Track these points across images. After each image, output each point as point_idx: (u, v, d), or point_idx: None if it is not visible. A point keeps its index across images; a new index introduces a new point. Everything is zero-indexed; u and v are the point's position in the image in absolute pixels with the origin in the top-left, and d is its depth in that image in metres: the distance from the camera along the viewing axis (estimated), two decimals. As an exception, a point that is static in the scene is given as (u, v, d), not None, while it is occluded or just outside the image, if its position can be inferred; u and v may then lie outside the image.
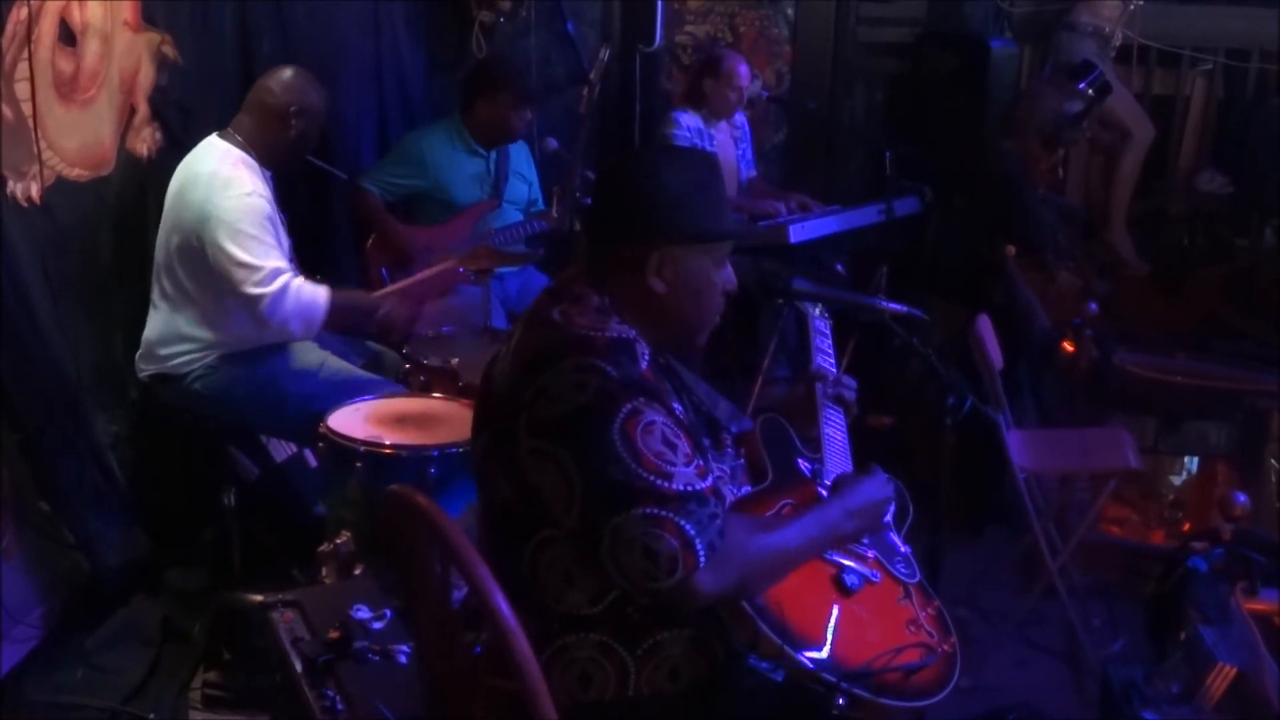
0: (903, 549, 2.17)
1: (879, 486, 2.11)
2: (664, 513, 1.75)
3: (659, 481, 1.77)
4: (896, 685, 1.87)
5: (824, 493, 2.19)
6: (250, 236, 3.10)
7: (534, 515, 1.86)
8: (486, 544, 1.99)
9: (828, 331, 2.61)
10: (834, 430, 2.35)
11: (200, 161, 3.22)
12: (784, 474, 2.21)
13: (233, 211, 3.10)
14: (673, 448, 1.82)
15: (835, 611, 1.94)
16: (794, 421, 2.36)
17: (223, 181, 3.14)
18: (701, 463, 1.86)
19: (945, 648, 1.99)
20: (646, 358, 1.94)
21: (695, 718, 1.88)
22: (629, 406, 1.81)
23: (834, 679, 1.81)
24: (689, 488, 1.79)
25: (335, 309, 3.24)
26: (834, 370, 2.48)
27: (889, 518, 2.17)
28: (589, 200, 1.97)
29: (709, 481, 1.84)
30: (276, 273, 3.12)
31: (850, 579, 1.99)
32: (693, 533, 1.76)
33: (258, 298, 3.10)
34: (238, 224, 3.10)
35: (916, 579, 2.12)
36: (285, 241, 3.34)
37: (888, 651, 1.89)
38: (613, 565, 1.78)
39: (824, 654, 1.85)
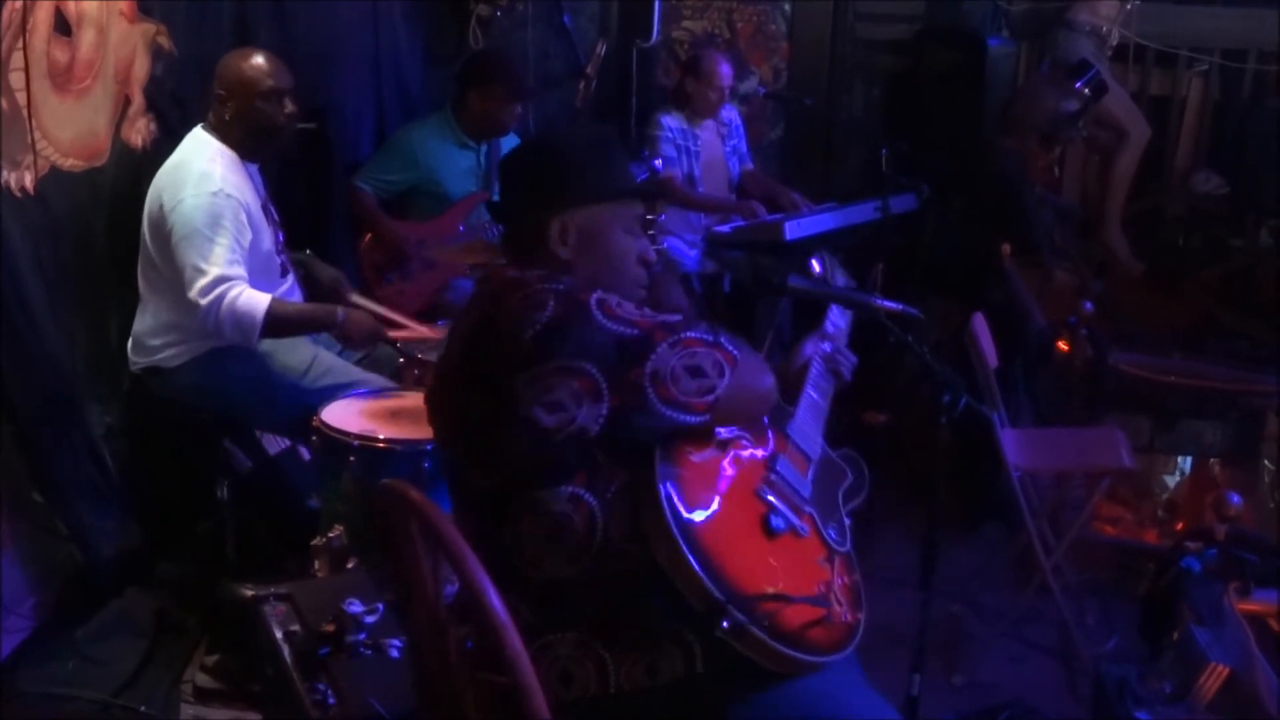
0: (844, 519, 2.15)
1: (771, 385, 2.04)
2: (689, 333, 1.89)
3: (661, 319, 1.90)
4: (787, 631, 1.84)
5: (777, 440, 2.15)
6: (205, 238, 3.07)
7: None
8: (465, 537, 2.00)
9: (844, 324, 2.62)
10: (817, 393, 2.34)
11: (178, 153, 3.21)
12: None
13: (193, 210, 3.07)
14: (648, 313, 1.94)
15: (752, 546, 1.92)
16: (783, 390, 2.28)
17: (194, 176, 3.11)
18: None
19: (848, 619, 1.96)
20: None
21: (674, 713, 1.90)
22: (595, 297, 1.89)
23: (721, 598, 1.80)
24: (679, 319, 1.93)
25: (280, 320, 3.15)
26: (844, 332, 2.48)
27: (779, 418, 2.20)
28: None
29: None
30: (220, 281, 3.07)
31: (777, 521, 1.96)
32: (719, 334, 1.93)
33: (195, 304, 3.07)
34: (194, 223, 3.06)
35: (846, 549, 2.08)
36: (270, 235, 3.32)
37: (785, 594, 1.87)
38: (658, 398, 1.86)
39: (717, 569, 1.81)
